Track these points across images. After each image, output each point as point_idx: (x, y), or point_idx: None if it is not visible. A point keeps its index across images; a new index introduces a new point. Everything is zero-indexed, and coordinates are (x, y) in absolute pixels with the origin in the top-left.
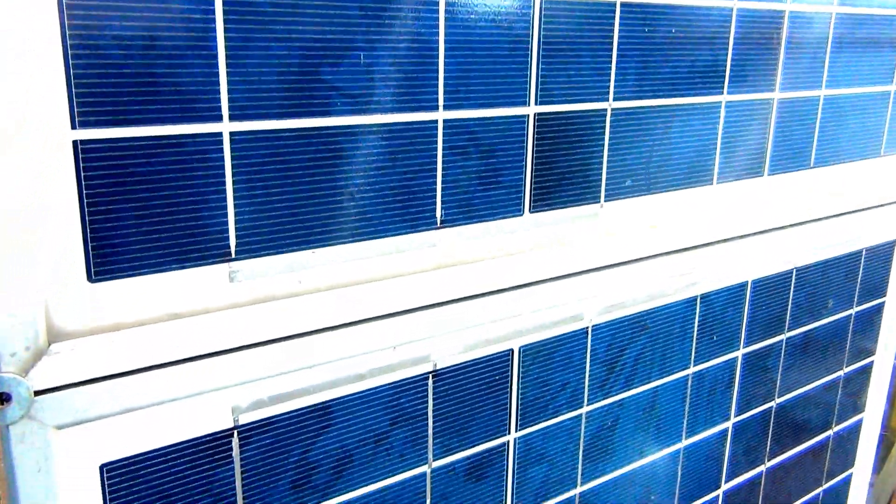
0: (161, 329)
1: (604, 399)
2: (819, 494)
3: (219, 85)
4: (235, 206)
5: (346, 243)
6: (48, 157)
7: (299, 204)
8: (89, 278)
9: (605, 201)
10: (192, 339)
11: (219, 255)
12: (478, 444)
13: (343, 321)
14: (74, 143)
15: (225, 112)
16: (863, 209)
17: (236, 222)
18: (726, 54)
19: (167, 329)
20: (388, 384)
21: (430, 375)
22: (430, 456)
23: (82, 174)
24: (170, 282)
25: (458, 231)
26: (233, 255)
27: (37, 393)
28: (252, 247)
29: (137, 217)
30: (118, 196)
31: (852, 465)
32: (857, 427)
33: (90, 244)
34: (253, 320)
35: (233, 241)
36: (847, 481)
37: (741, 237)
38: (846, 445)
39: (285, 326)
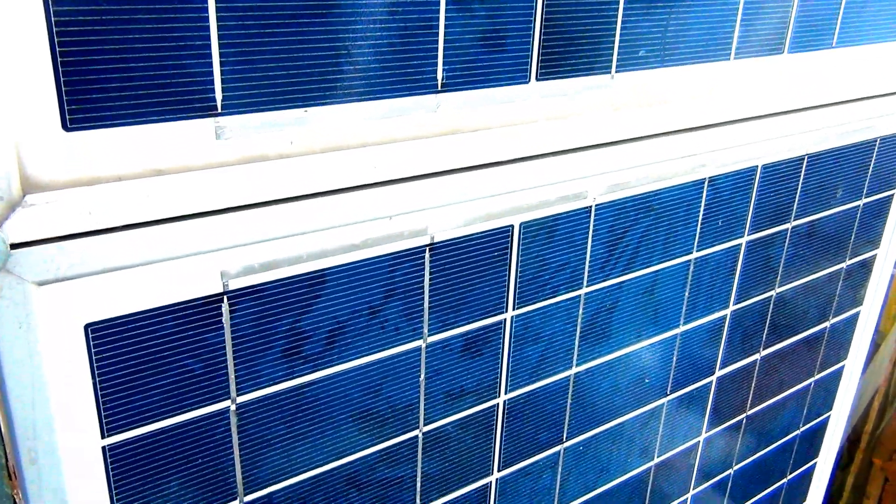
0: (143, 185)
1: (604, 281)
2: (810, 385)
3: None
4: (221, 55)
5: (340, 103)
6: None
7: (290, 57)
8: (64, 126)
9: (616, 72)
10: (177, 197)
11: (204, 108)
12: (474, 321)
13: (336, 186)
14: None
15: None
16: (881, 95)
17: (222, 73)
18: None
19: (150, 185)
20: (384, 255)
21: (427, 248)
22: (426, 330)
23: (50, 7)
24: (151, 135)
25: (459, 96)
26: (219, 110)
27: (13, 246)
28: (240, 102)
29: (115, 62)
30: (92, 37)
31: (845, 358)
32: (853, 320)
33: (63, 89)
34: (241, 181)
35: (218, 95)
36: (839, 373)
37: (755, 118)
38: (841, 338)
39: (276, 189)
